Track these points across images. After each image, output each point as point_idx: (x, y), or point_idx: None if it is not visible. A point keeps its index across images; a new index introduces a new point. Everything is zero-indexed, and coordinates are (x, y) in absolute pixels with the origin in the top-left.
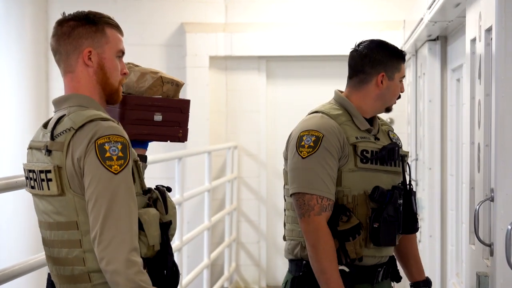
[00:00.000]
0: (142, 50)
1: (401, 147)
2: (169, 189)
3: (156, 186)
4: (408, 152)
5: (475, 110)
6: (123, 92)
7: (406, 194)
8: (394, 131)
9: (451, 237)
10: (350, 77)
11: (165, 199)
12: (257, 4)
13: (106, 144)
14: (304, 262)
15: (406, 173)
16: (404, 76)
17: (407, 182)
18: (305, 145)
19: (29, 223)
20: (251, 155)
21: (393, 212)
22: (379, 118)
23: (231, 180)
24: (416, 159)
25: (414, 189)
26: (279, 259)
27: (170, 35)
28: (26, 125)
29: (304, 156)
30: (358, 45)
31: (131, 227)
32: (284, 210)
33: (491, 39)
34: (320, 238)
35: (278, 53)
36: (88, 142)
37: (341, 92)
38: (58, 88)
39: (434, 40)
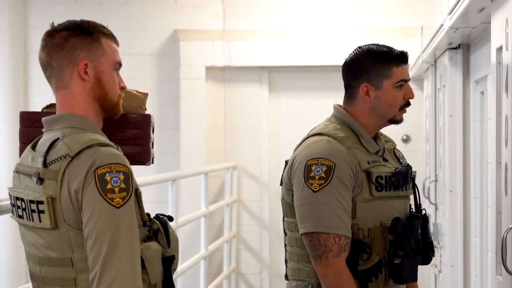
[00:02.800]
0: (130, 60)
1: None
2: (170, 219)
3: (156, 215)
4: (415, 171)
5: (502, 126)
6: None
7: (424, 221)
8: (398, 147)
9: (475, 267)
10: (345, 92)
11: (167, 230)
12: (258, 9)
13: (107, 175)
14: None
15: (417, 196)
16: (402, 80)
17: (419, 205)
18: (316, 176)
19: (9, 251)
20: (252, 176)
21: (415, 245)
22: (381, 134)
23: (230, 204)
24: (436, 181)
25: (426, 212)
26: None
27: (162, 43)
28: (1, 142)
29: (315, 190)
30: (350, 54)
31: (134, 267)
32: (285, 245)
33: None
34: (342, 284)
35: (282, 63)
36: (86, 172)
37: (341, 106)
38: (37, 102)
39: (456, 48)
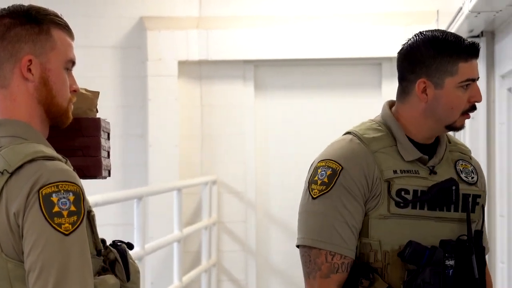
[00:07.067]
0: (88, 54)
1: (473, 183)
2: (130, 246)
3: (113, 242)
4: (482, 191)
5: None
6: None
7: (465, 251)
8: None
9: None
10: (398, 85)
11: (126, 260)
12: None
13: (53, 195)
14: None
15: (474, 220)
16: (469, 79)
17: (473, 234)
18: (318, 180)
19: None
20: (235, 193)
21: (430, 278)
22: (449, 142)
23: (208, 227)
24: None
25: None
26: None
27: (125, 33)
28: None
29: (314, 196)
30: (409, 39)
31: None
32: None
33: None
34: None
35: (270, 56)
36: (28, 192)
37: (391, 102)
38: None
39: (477, 36)
